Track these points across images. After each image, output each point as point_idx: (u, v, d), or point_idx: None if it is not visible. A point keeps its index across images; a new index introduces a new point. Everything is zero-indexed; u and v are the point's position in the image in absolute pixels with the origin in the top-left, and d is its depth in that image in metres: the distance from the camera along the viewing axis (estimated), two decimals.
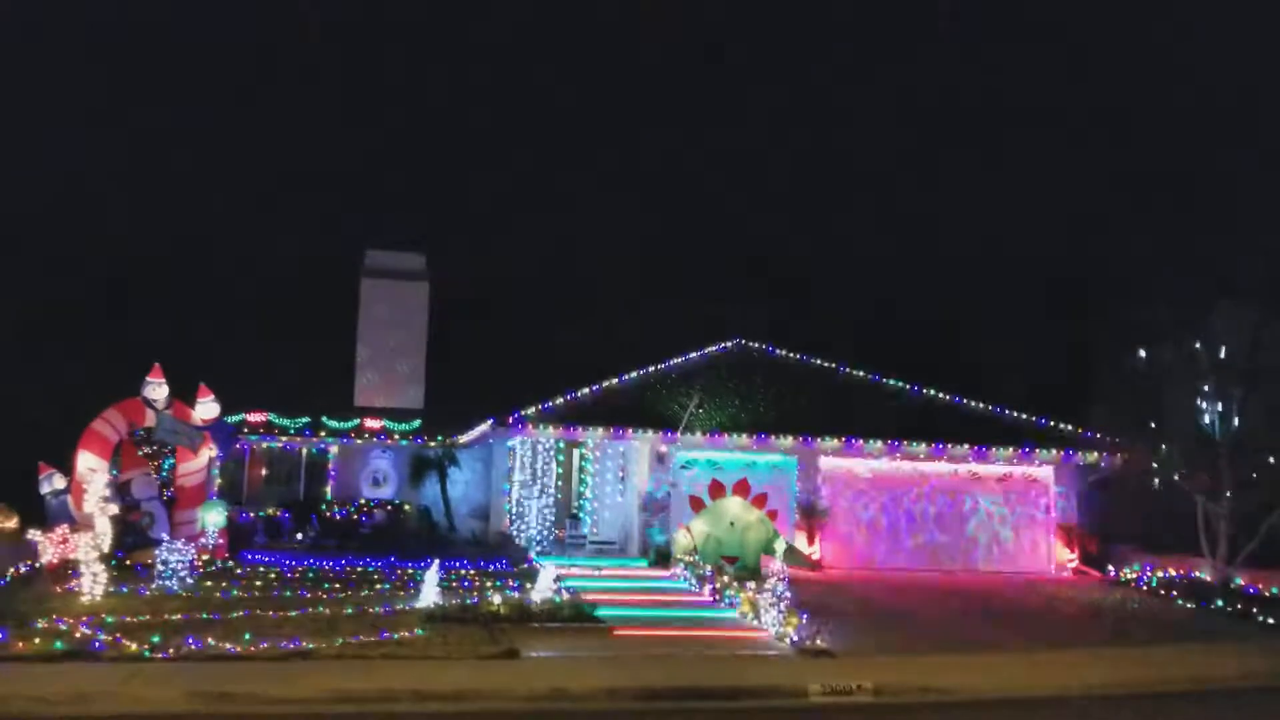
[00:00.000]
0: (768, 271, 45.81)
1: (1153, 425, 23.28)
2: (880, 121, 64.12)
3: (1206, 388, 22.74)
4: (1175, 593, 22.31)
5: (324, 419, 30.26)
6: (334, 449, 30.63)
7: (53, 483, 21.51)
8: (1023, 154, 60.01)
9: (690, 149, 64.78)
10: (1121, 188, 52.85)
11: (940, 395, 28.49)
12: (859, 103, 66.61)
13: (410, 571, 20.41)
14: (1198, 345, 22.90)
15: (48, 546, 19.70)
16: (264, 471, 30.88)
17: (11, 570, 18.61)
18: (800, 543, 24.97)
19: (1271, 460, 22.29)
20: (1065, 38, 64.93)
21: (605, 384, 25.92)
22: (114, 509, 21.16)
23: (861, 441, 25.51)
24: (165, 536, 21.24)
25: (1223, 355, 22.57)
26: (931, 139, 62.86)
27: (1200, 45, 60.89)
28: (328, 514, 28.02)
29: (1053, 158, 58.57)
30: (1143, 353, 23.72)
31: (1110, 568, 25.77)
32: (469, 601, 17.11)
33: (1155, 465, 23.29)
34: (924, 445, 25.91)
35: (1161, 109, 61.19)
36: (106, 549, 19.55)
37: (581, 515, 27.33)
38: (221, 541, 22.80)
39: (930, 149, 62.25)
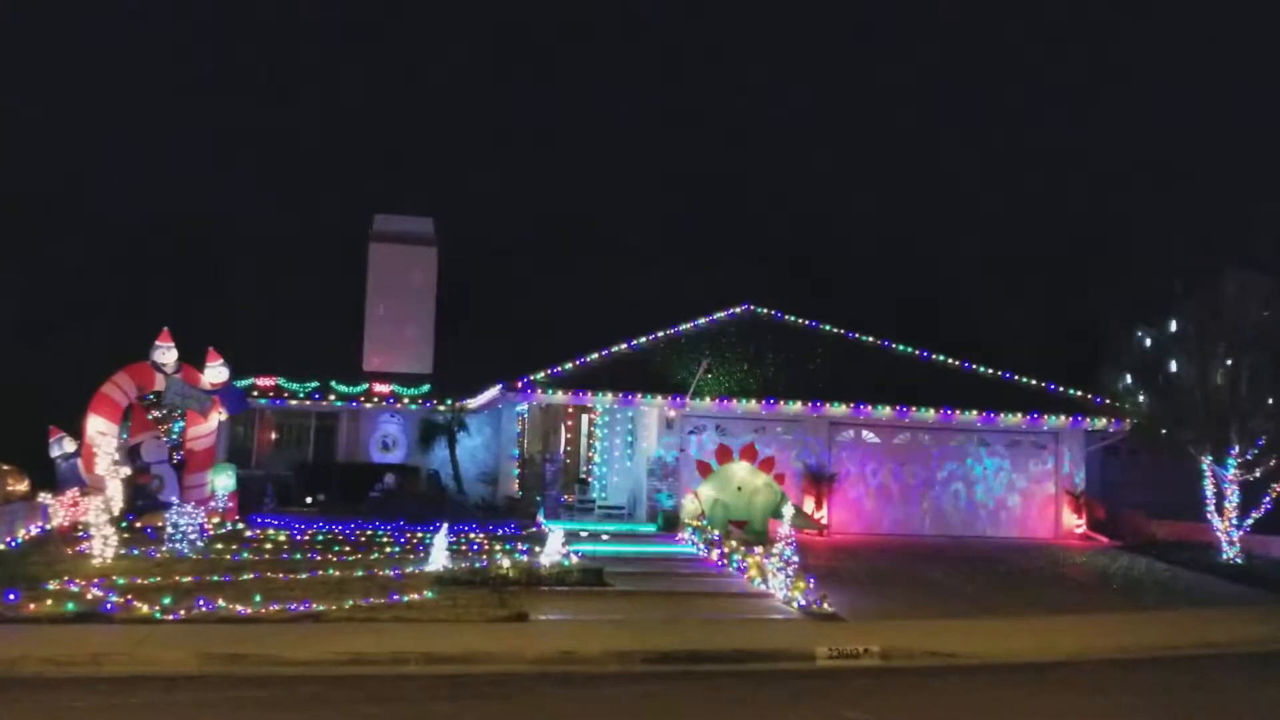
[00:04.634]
0: (776, 236, 45.60)
1: (1162, 391, 23.21)
2: (891, 86, 63.58)
3: (1216, 353, 22.62)
4: (1183, 558, 22.32)
5: (333, 384, 30.32)
6: (343, 413, 30.72)
7: (63, 446, 21.61)
8: (1036, 119, 59.52)
9: (697, 112, 64.28)
10: (1134, 154, 52.41)
11: (949, 361, 28.40)
12: (870, 67, 66.03)
13: (419, 535, 20.50)
14: (1208, 310, 22.77)
15: (59, 510, 19.82)
16: (273, 435, 31.00)
17: (23, 533, 18.74)
18: (808, 507, 25.00)
19: None
20: (1079, 3, 64.16)
21: (614, 349, 25.86)
22: (125, 472, 21.27)
23: (870, 407, 25.46)
24: (175, 500, 21.38)
25: (1232, 320, 22.43)
26: (943, 104, 62.32)
27: (1215, 13, 60.16)
28: (337, 478, 28.12)
29: (1066, 124, 58.07)
30: (1153, 318, 23.62)
31: (1118, 533, 25.78)
32: (478, 565, 17.19)
33: (1164, 431, 23.24)
34: (932, 411, 25.83)
35: (1175, 75, 60.56)
36: (117, 512, 19.66)
37: (590, 480, 27.38)
38: (231, 505, 22.91)
39: (942, 114, 61.74)
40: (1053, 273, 40.12)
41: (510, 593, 15.48)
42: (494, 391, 25.40)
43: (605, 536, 21.81)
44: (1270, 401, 22.12)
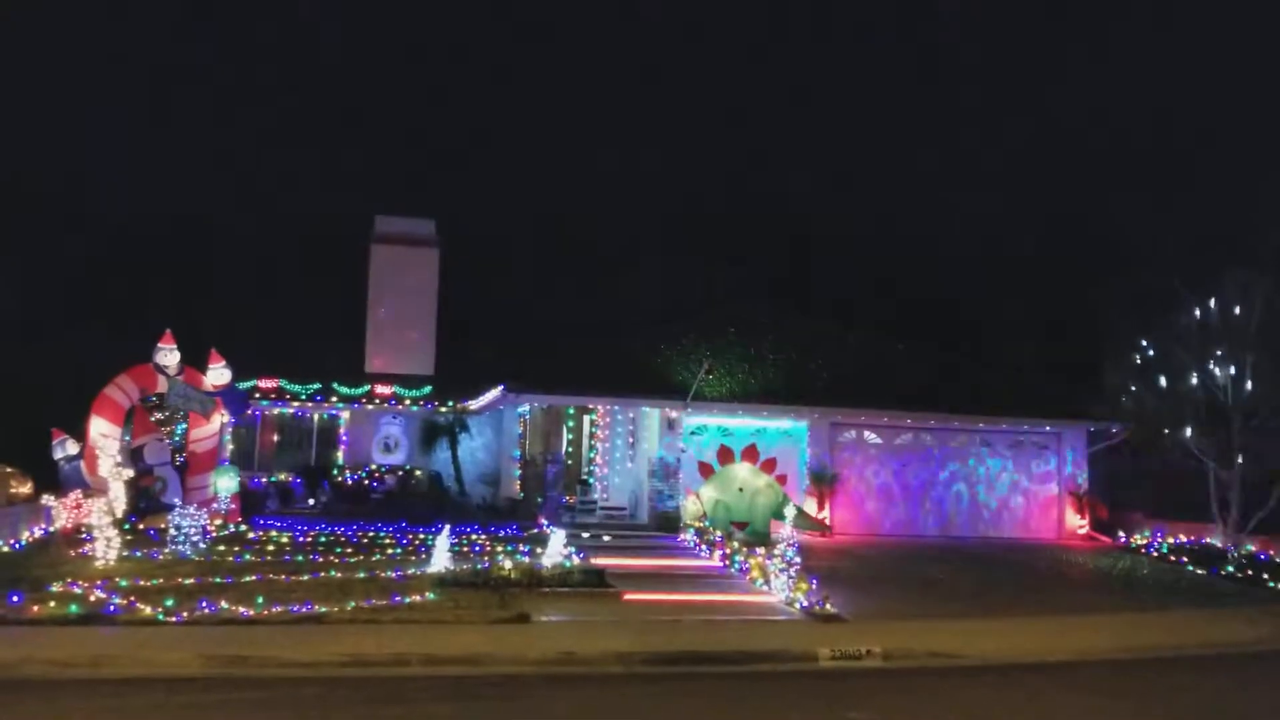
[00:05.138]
0: (778, 235, 45.56)
1: (1164, 391, 23.18)
2: (891, 83, 63.55)
3: (1218, 353, 22.60)
4: (1186, 559, 22.31)
5: (335, 385, 30.32)
6: (345, 415, 30.72)
7: (66, 448, 21.64)
8: (1037, 118, 59.51)
9: (699, 107, 64.31)
10: (1136, 152, 52.37)
11: (952, 361, 28.39)
12: (869, 65, 66.02)
13: (421, 536, 20.50)
14: (1210, 310, 22.75)
15: (62, 512, 19.84)
16: (276, 437, 30.99)
17: (26, 535, 18.75)
18: (810, 508, 24.99)
19: None
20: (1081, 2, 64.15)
21: (615, 349, 25.86)
22: (128, 474, 21.29)
23: (871, 407, 25.45)
24: (178, 502, 21.39)
25: (1234, 320, 22.41)
26: (943, 103, 62.29)
27: (1219, 12, 60.12)
28: (339, 479, 28.15)
29: (1067, 123, 58.06)
30: (1154, 318, 23.59)
31: (1121, 534, 25.78)
32: (480, 566, 17.17)
33: (1166, 431, 23.22)
34: (934, 411, 25.84)
35: (1176, 73, 60.53)
36: (120, 514, 19.66)
37: (591, 481, 27.36)
38: (234, 506, 22.92)
39: (942, 112, 61.72)
40: (1054, 272, 40.08)
41: (512, 594, 15.46)
42: (495, 393, 25.39)
43: (607, 538, 21.79)
44: (1272, 400, 22.09)
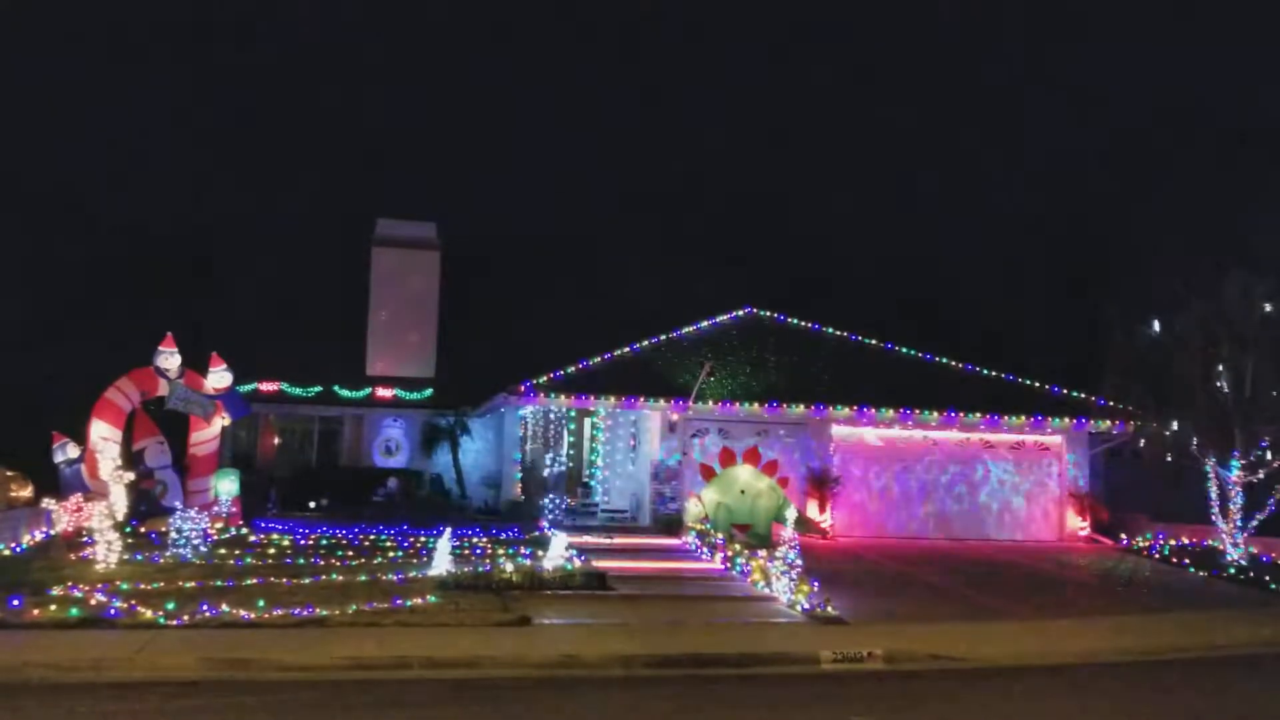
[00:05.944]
0: (780, 239, 45.57)
1: (1165, 393, 23.14)
2: (892, 85, 63.59)
3: (1220, 355, 22.56)
4: (1187, 561, 22.28)
5: (336, 388, 30.33)
6: (346, 418, 30.71)
7: (66, 452, 21.60)
8: (1038, 118, 59.55)
9: (699, 114, 64.36)
10: (1135, 155, 52.39)
11: (952, 363, 28.36)
12: (870, 67, 66.08)
13: (422, 539, 20.48)
14: (1211, 313, 22.70)
15: (62, 515, 19.81)
16: (276, 440, 30.99)
17: (27, 538, 18.73)
18: (811, 511, 24.96)
19: None
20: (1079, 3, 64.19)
21: (616, 352, 25.85)
22: (129, 477, 21.27)
23: (873, 410, 25.41)
24: (179, 505, 21.36)
25: (1235, 323, 22.37)
26: (943, 104, 62.31)
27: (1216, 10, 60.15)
28: (340, 482, 28.10)
29: (1068, 123, 58.09)
30: (1156, 320, 23.55)
31: (1122, 536, 25.73)
32: (481, 569, 17.15)
33: (1167, 433, 23.18)
34: (935, 413, 25.80)
35: (1179, 73, 60.56)
36: (120, 517, 19.64)
37: (593, 484, 27.35)
38: (235, 510, 22.90)
39: (942, 114, 61.74)
40: (1055, 273, 40.07)
41: (513, 597, 15.47)
42: (496, 396, 25.38)
43: (608, 540, 21.76)
44: (1274, 403, 22.05)
